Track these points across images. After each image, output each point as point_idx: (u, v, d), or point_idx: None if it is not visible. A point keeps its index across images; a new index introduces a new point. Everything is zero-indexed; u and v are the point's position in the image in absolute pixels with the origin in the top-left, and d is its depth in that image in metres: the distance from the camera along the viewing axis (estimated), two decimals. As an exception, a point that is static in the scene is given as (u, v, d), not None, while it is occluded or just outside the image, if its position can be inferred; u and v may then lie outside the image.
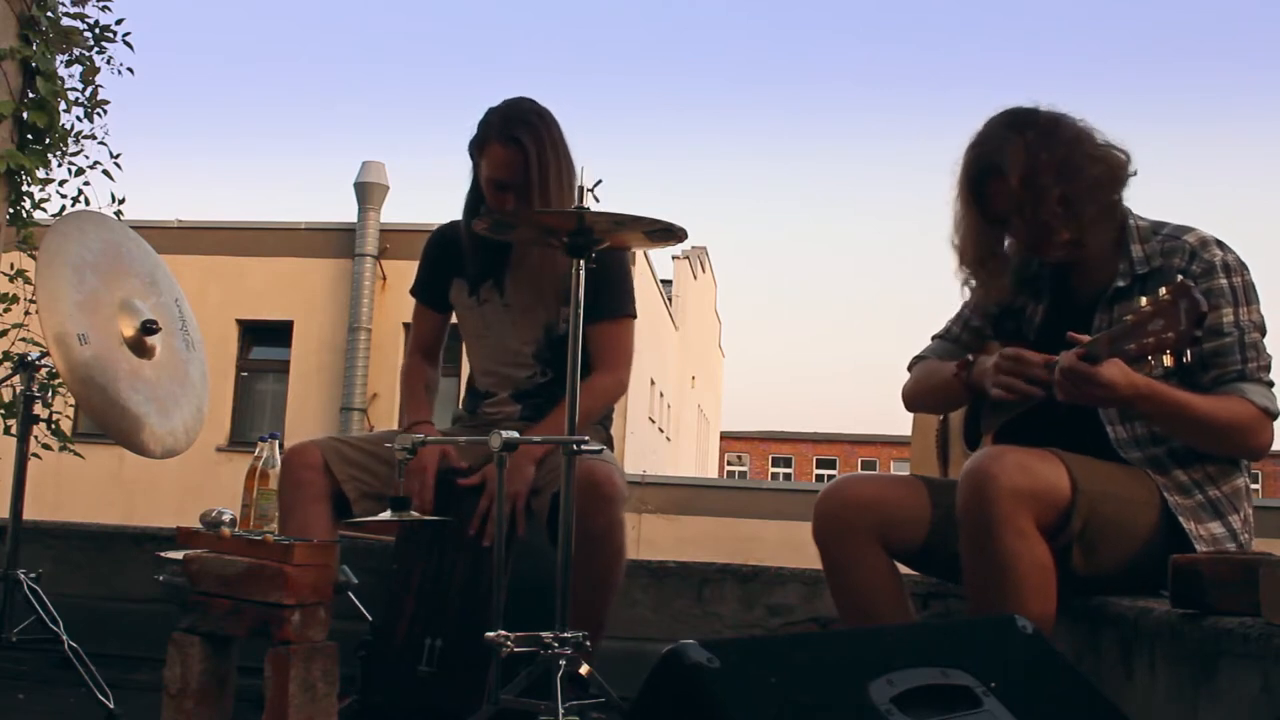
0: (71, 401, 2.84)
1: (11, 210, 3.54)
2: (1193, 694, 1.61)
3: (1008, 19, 72.20)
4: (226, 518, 2.22)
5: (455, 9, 72.65)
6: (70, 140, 3.67)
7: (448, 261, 2.66)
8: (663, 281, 20.59)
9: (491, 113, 2.50)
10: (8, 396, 3.52)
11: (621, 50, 73.63)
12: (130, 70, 3.77)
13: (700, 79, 72.73)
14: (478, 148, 2.50)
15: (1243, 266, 2.03)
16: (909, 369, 2.42)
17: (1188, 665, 1.63)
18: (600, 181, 1.97)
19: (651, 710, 1.42)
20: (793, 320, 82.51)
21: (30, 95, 3.39)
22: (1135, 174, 2.11)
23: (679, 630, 2.98)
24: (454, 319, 2.75)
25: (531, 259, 2.51)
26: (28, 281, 3.65)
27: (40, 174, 3.56)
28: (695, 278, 24.19)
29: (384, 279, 14.38)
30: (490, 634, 1.90)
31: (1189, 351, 1.74)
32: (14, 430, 2.89)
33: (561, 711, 1.82)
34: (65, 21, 3.54)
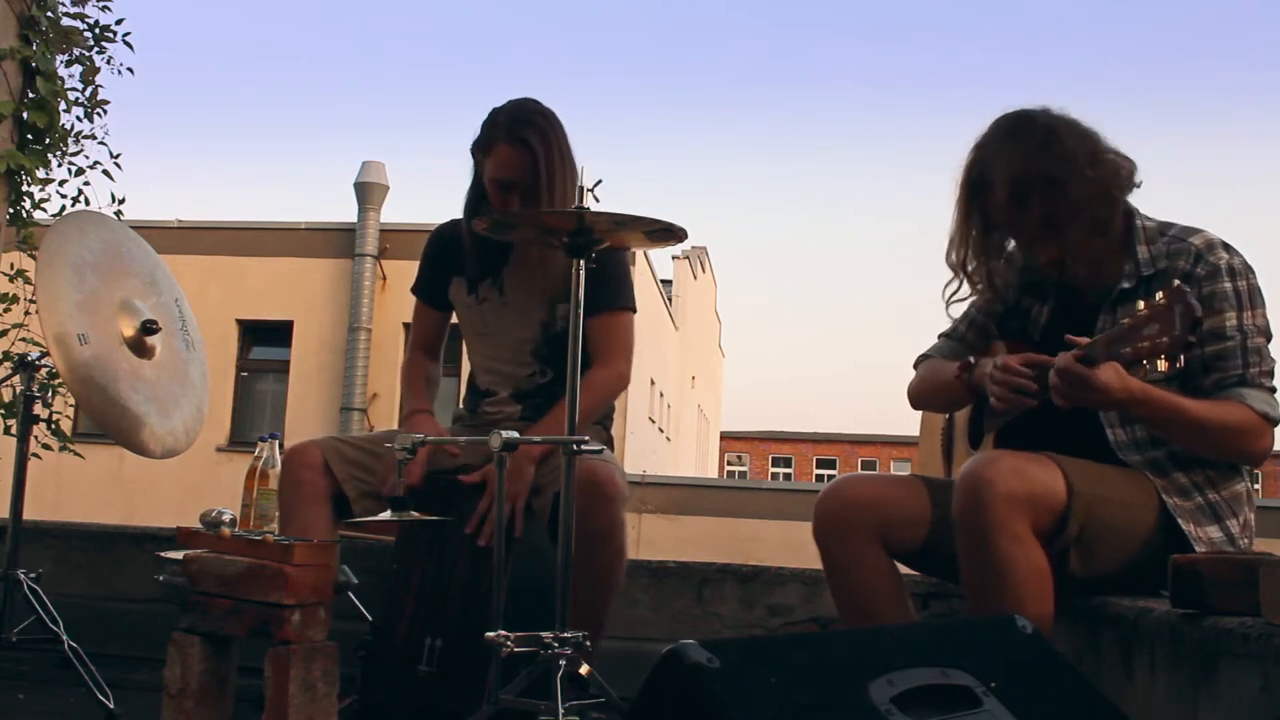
0: (71, 401, 2.84)
1: (11, 210, 3.54)
2: (1193, 694, 1.61)
3: (1008, 19, 72.24)
4: (226, 518, 2.22)
5: (455, 9, 72.69)
6: (70, 140, 3.68)
7: (448, 260, 2.66)
8: (663, 281, 20.59)
9: (497, 113, 2.50)
10: (8, 396, 3.52)
11: (621, 50, 73.67)
12: (130, 70, 3.78)
13: (700, 79, 72.78)
14: (483, 148, 2.50)
15: (1248, 270, 2.03)
16: (914, 367, 2.43)
17: (1188, 665, 1.63)
18: (600, 181, 1.97)
19: (651, 710, 1.42)
20: (793, 320, 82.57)
21: (30, 95, 3.39)
22: (1140, 184, 2.09)
23: (679, 630, 2.98)
24: (454, 318, 2.76)
25: (530, 257, 2.51)
26: (28, 281, 3.65)
27: (40, 174, 3.56)
28: (695, 278, 24.19)
29: (384, 279, 14.38)
30: (490, 634, 1.90)
31: (1183, 357, 1.74)
32: (14, 430, 2.89)
33: (561, 711, 1.82)
34: (65, 21, 3.54)
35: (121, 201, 3.84)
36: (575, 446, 1.95)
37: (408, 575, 2.41)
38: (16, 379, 2.81)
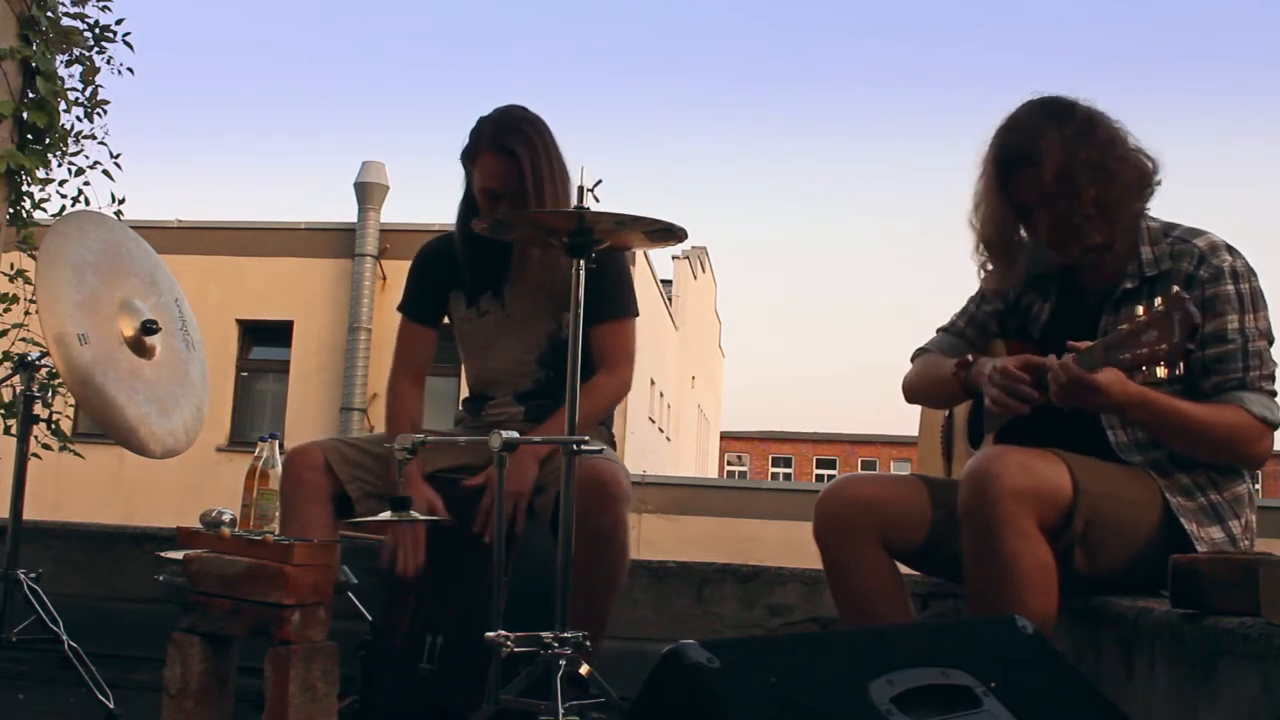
0: (71, 401, 2.84)
1: (11, 210, 3.54)
2: (1193, 694, 1.61)
3: (1008, 19, 72.23)
4: (226, 518, 2.22)
5: (455, 9, 72.69)
6: (70, 140, 3.68)
7: (441, 276, 2.65)
8: (663, 281, 20.58)
9: (483, 121, 2.49)
10: (8, 396, 3.52)
11: (621, 50, 73.64)
12: (130, 70, 3.78)
13: (700, 79, 72.77)
14: (470, 157, 2.49)
15: (1251, 273, 2.02)
16: (911, 360, 2.42)
17: (1188, 665, 1.63)
18: (600, 181, 1.97)
19: (651, 710, 1.42)
20: (793, 320, 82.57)
21: (30, 95, 3.39)
22: (1161, 182, 2.09)
23: (679, 630, 2.98)
24: (447, 325, 2.74)
25: (530, 266, 2.50)
26: (28, 281, 3.65)
27: (40, 174, 3.56)
28: (695, 278, 24.19)
29: (384, 279, 14.38)
30: (490, 634, 1.90)
31: (1181, 363, 1.74)
32: (14, 430, 2.89)
33: (561, 711, 1.82)
34: (65, 21, 3.54)
35: (121, 201, 3.85)
36: (576, 446, 1.95)
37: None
38: (16, 379, 2.82)
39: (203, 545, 2.16)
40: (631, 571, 2.46)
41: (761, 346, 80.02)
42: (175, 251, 10.80)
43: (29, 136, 3.45)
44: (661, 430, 21.02)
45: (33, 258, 3.47)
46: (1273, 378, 1.99)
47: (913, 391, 2.41)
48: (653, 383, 18.88)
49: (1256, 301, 2.00)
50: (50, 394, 2.92)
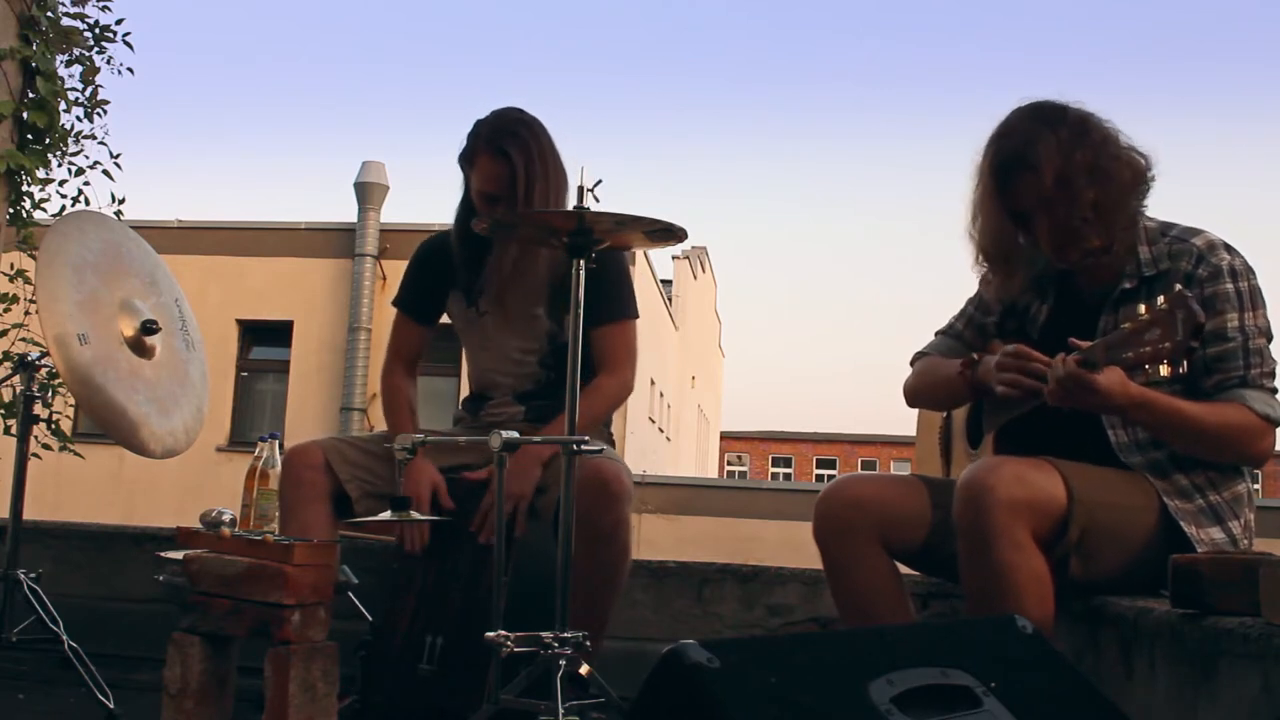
0: (71, 401, 2.84)
1: (11, 210, 3.54)
2: (1193, 694, 1.61)
3: (1008, 19, 72.22)
4: (226, 518, 2.22)
5: (455, 9, 72.68)
6: (70, 140, 3.68)
7: (440, 273, 2.65)
8: (663, 281, 20.58)
9: (480, 124, 2.50)
10: (8, 396, 3.52)
11: (621, 50, 73.65)
12: (130, 70, 3.78)
13: (700, 79, 72.77)
14: (467, 160, 2.50)
15: (1250, 271, 2.02)
16: (911, 364, 2.42)
17: (1188, 665, 1.63)
18: (600, 181, 1.97)
19: (651, 710, 1.42)
20: (793, 320, 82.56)
21: (30, 95, 3.39)
22: (1155, 179, 2.09)
23: (679, 630, 2.98)
24: (447, 324, 2.75)
25: (505, 267, 2.50)
26: (28, 281, 3.65)
27: (40, 174, 3.56)
28: (695, 278, 24.19)
29: (384, 279, 14.38)
30: (490, 634, 1.90)
31: (1185, 362, 1.74)
32: (14, 430, 2.89)
33: (561, 711, 1.82)
34: (65, 21, 3.54)
35: (121, 201, 3.85)
36: (577, 446, 1.95)
37: (410, 573, 2.41)
38: (16, 379, 2.82)
39: (203, 545, 2.16)
40: (631, 571, 2.46)
41: (761, 346, 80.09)
42: (175, 251, 10.80)
43: (29, 136, 3.45)
44: (661, 430, 21.02)
45: (33, 258, 3.47)
46: (1273, 375, 1.99)
47: (915, 394, 2.40)
48: (653, 383, 18.88)
49: (1255, 299, 2.00)
50: (50, 394, 2.92)
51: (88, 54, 3.66)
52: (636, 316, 2.60)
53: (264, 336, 15.14)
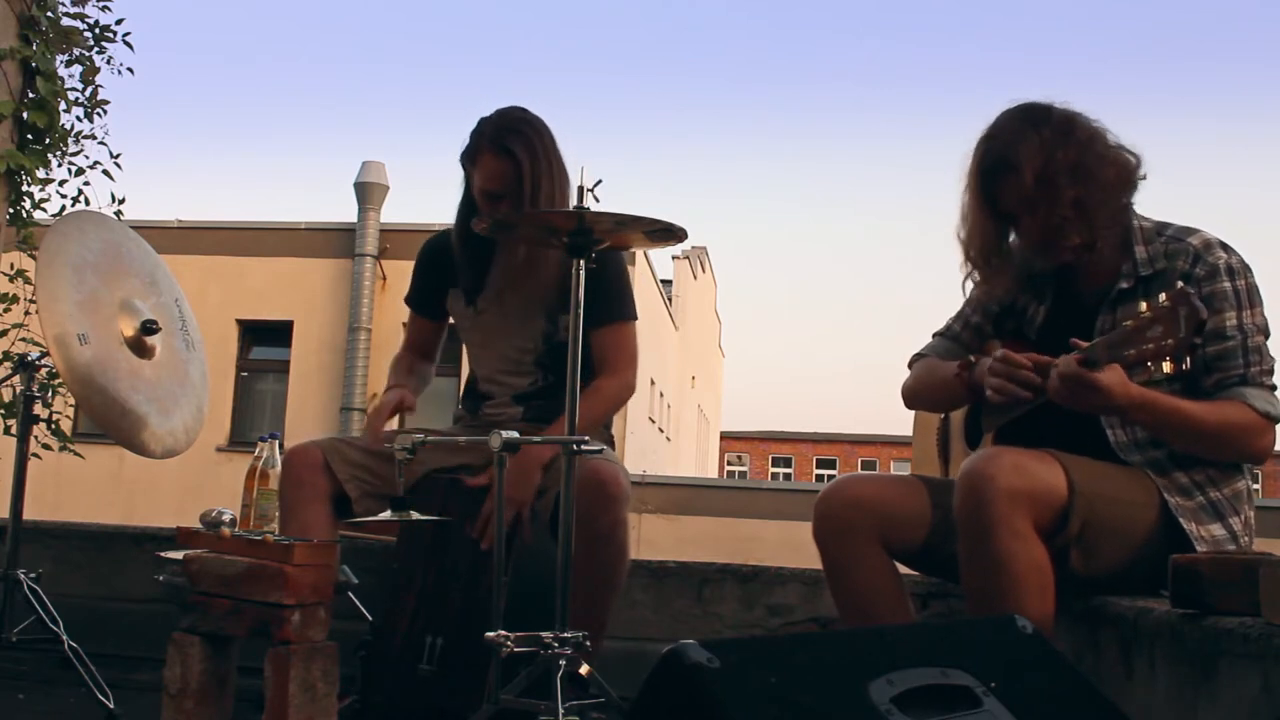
0: (71, 401, 2.84)
1: (11, 210, 3.54)
2: (1193, 694, 1.61)
3: (1008, 19, 72.22)
4: (226, 518, 2.22)
5: (455, 9, 72.67)
6: (70, 140, 3.67)
7: (443, 271, 2.66)
8: (663, 281, 20.58)
9: (483, 122, 2.49)
10: (8, 396, 3.52)
11: (621, 50, 73.63)
12: (130, 70, 3.78)
13: (700, 79, 72.74)
14: (470, 158, 2.50)
15: (1246, 269, 2.03)
16: (909, 366, 2.42)
17: (1188, 665, 1.63)
18: (600, 181, 1.97)
19: (651, 710, 1.42)
20: (793, 320, 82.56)
21: (30, 95, 3.39)
22: (1145, 177, 2.09)
23: (679, 630, 2.98)
24: (452, 322, 2.75)
25: (514, 267, 2.50)
26: (28, 281, 3.65)
27: (40, 174, 3.56)
28: (695, 278, 24.19)
29: (384, 279, 14.38)
30: (490, 634, 1.90)
31: (1188, 359, 1.74)
32: (14, 430, 2.89)
33: (561, 711, 1.82)
34: (65, 21, 3.54)
35: (121, 201, 3.85)
36: (575, 446, 1.95)
37: (409, 574, 2.41)
38: (16, 379, 2.82)
39: (203, 545, 2.16)
40: (631, 571, 2.46)
41: (761, 346, 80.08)
42: (175, 251, 10.80)
43: (29, 136, 3.45)
44: (661, 430, 21.02)
45: (33, 258, 3.47)
46: (1273, 372, 2.00)
47: (914, 396, 2.41)
48: (653, 383, 18.88)
49: (1253, 297, 2.01)
50: (50, 394, 2.92)
51: (88, 54, 3.66)
52: (635, 318, 2.60)
53: (264, 336, 15.14)
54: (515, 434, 1.97)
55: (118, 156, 3.83)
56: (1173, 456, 2.02)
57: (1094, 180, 2.02)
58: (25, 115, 3.39)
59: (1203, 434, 1.96)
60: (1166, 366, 1.74)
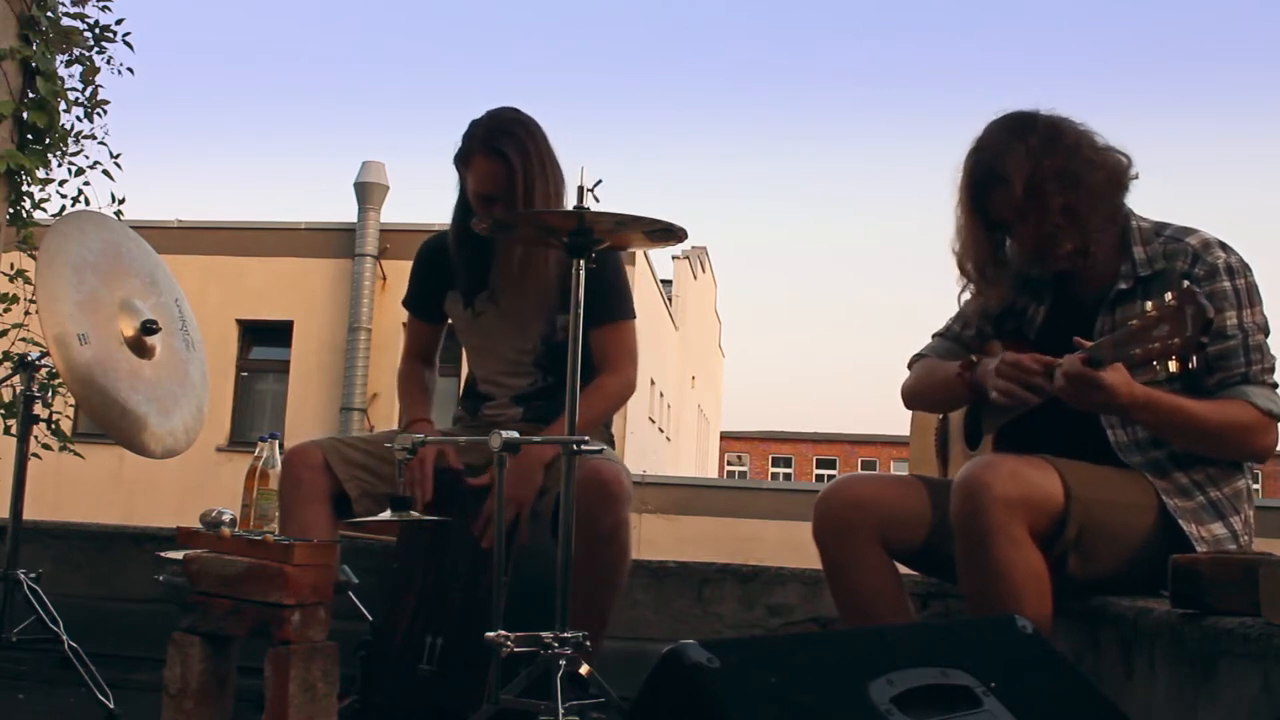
0: (71, 401, 2.84)
1: (11, 210, 3.54)
2: (1192, 694, 1.61)
3: (1008, 19, 72.21)
4: (226, 518, 2.22)
5: (455, 9, 72.66)
6: (70, 140, 3.67)
7: (440, 273, 2.66)
8: (663, 281, 20.57)
9: (475, 124, 2.49)
10: (8, 396, 3.52)
11: (621, 50, 73.63)
12: (130, 70, 3.78)
13: (700, 79, 72.74)
14: (463, 160, 2.50)
15: (1246, 268, 2.03)
16: (909, 367, 2.42)
17: (1188, 665, 1.63)
18: (600, 181, 1.97)
19: (651, 710, 1.42)
20: (793, 320, 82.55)
21: (30, 95, 3.39)
22: (1137, 177, 2.10)
23: (679, 630, 2.98)
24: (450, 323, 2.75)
25: (513, 268, 2.49)
26: (28, 281, 3.64)
27: (40, 174, 3.56)
28: (695, 278, 24.19)
29: (384, 279, 14.38)
30: (490, 634, 1.90)
31: (1194, 358, 1.74)
32: (14, 430, 2.89)
33: (561, 711, 1.82)
34: (65, 21, 3.54)
35: (121, 201, 3.84)
36: (576, 446, 1.95)
37: (410, 574, 2.41)
38: (16, 379, 2.82)
39: (203, 545, 2.16)
40: (631, 571, 2.46)
41: (761, 346, 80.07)
42: (175, 251, 10.80)
43: (29, 136, 3.45)
44: (661, 430, 21.02)
45: (33, 258, 3.47)
46: (1274, 370, 2.00)
47: (914, 397, 2.41)
48: (653, 383, 18.88)
49: (1253, 296, 2.01)
50: (50, 394, 2.92)
51: (88, 54, 3.66)
52: (634, 317, 2.60)
53: (264, 336, 15.14)
54: (515, 434, 1.97)
55: (118, 156, 3.83)
56: (1173, 457, 2.02)
57: (1083, 186, 2.02)
58: (25, 115, 3.39)
59: (1205, 432, 1.96)
60: (1172, 365, 1.74)
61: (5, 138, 3.35)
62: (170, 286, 3.01)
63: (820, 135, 74.77)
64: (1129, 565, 1.97)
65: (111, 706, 2.46)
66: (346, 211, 14.99)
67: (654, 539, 11.67)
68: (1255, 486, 2.18)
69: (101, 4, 3.68)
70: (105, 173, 3.81)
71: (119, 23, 3.71)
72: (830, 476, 17.65)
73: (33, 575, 2.70)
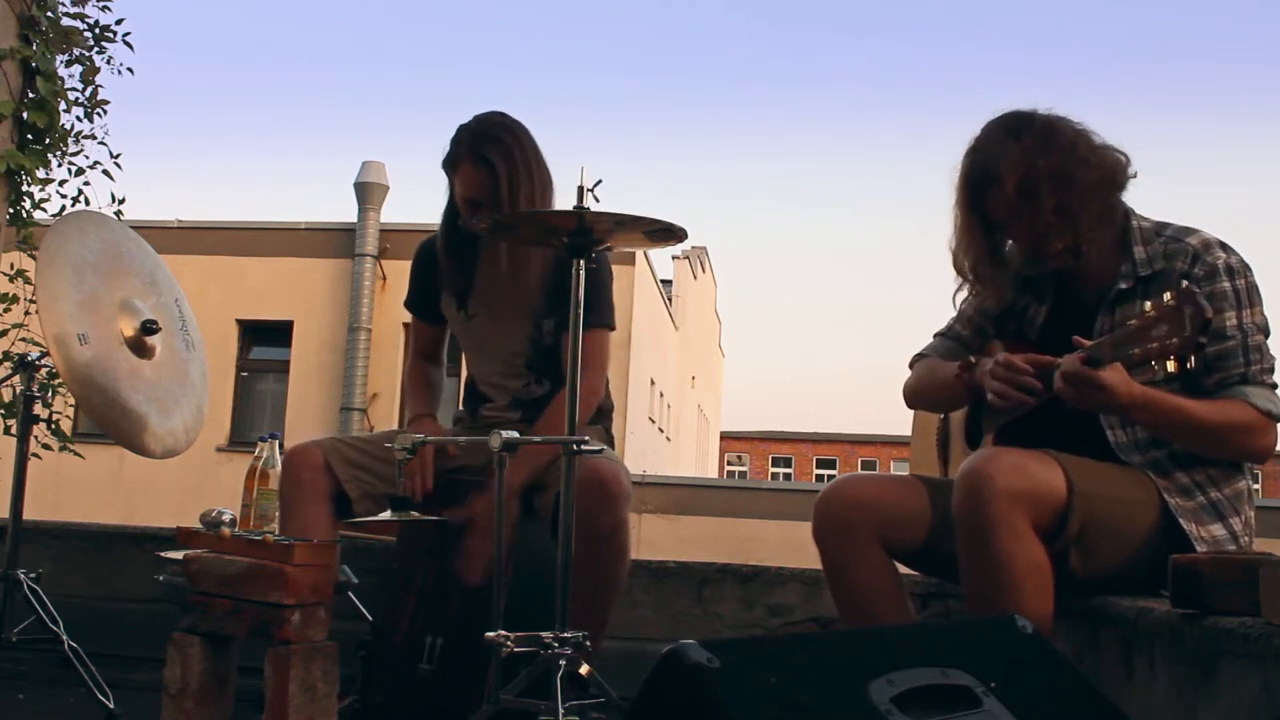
0: (71, 401, 2.84)
1: (11, 210, 3.54)
2: (1193, 694, 1.61)
3: (1008, 19, 72.21)
4: (226, 518, 2.22)
5: (455, 9, 72.66)
6: (70, 140, 3.67)
7: (435, 276, 2.67)
8: (663, 281, 20.56)
9: (462, 130, 2.50)
10: (8, 396, 3.52)
11: (621, 50, 73.62)
12: (130, 70, 3.78)
13: (700, 79, 72.73)
14: (450, 166, 2.51)
15: (1245, 268, 2.03)
16: (910, 366, 2.42)
17: (1188, 665, 1.63)
18: (600, 181, 1.97)
19: (651, 710, 1.42)
20: (793, 320, 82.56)
21: (30, 95, 3.39)
22: (1135, 175, 2.10)
23: (679, 630, 2.98)
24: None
25: (511, 270, 2.50)
26: (28, 281, 3.64)
27: (40, 174, 3.56)
28: (695, 278, 24.18)
29: (384, 279, 14.38)
30: (490, 634, 1.90)
31: (1193, 358, 1.74)
32: (14, 430, 2.89)
33: (561, 711, 1.82)
34: (65, 21, 3.54)
35: (121, 201, 3.84)
36: (576, 446, 1.95)
37: (409, 574, 2.41)
38: (16, 379, 2.81)
39: (203, 545, 2.16)
40: (631, 571, 2.46)
41: (761, 346, 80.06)
42: (175, 251, 10.80)
43: (29, 136, 3.45)
44: (661, 430, 21.02)
45: (33, 258, 3.47)
46: (1273, 371, 2.00)
47: (915, 396, 2.41)
48: (653, 383, 18.87)
49: (1252, 296, 2.01)
50: (50, 394, 2.92)
51: (88, 54, 3.66)
52: (611, 328, 2.58)
53: (264, 336, 15.14)
54: (515, 434, 1.98)
55: (118, 156, 3.83)
56: (1173, 456, 2.02)
57: (1076, 185, 2.03)
58: (25, 115, 3.39)
59: (1204, 432, 1.96)
60: (1171, 365, 1.74)
61: (5, 138, 3.35)
62: (170, 286, 3.01)
63: (820, 135, 74.80)
64: (1130, 563, 1.97)
65: (111, 706, 2.46)
66: (346, 211, 15.01)
67: (654, 539, 11.66)
68: (1255, 487, 2.17)
69: (101, 4, 3.68)
70: (105, 173, 3.81)
71: (119, 23, 3.72)
72: (830, 476, 17.65)
73: (33, 575, 2.70)
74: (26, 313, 3.73)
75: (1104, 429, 2.07)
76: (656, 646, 1.47)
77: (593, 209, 1.95)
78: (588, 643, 1.93)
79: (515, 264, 2.47)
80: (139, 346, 2.78)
